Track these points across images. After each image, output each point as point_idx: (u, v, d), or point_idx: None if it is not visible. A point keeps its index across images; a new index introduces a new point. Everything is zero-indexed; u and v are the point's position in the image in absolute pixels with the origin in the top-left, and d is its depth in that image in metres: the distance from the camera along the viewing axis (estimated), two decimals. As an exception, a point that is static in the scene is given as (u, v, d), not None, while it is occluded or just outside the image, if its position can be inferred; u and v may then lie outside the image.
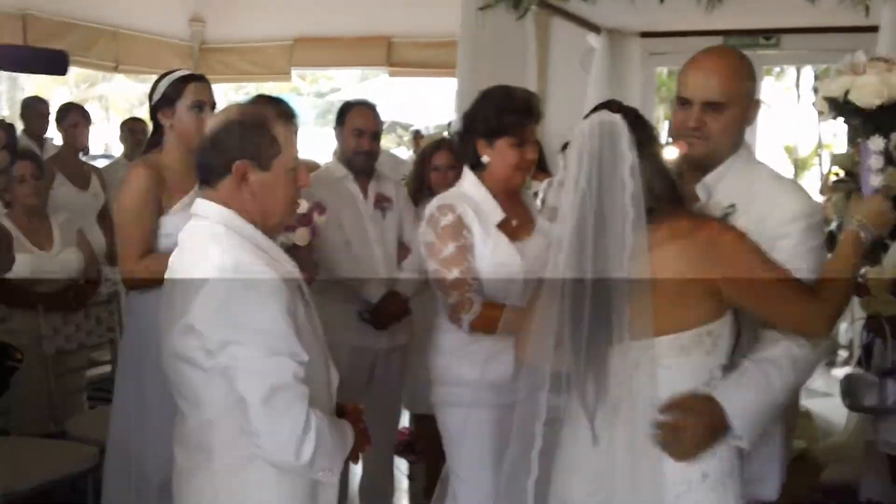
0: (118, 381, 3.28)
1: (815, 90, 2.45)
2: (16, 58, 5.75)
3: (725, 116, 2.33)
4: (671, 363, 2.07)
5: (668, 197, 2.12)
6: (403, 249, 3.94)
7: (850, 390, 3.23)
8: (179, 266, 2.10)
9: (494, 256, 2.85)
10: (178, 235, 3.05)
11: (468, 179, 2.96)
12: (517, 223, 2.92)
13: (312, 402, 1.95)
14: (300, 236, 3.37)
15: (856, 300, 3.30)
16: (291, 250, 3.36)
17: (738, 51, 2.47)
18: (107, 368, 4.42)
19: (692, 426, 2.08)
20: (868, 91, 2.25)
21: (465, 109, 3.02)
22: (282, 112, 2.12)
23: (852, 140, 2.43)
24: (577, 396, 2.12)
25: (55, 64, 5.46)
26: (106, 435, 3.34)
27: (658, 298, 2.03)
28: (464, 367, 2.91)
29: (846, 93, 2.30)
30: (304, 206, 3.41)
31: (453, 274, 2.81)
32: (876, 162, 2.26)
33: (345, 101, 4.04)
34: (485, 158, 2.91)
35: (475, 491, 2.86)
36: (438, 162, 4.05)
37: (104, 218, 5.40)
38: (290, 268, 2.11)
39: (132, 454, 3.15)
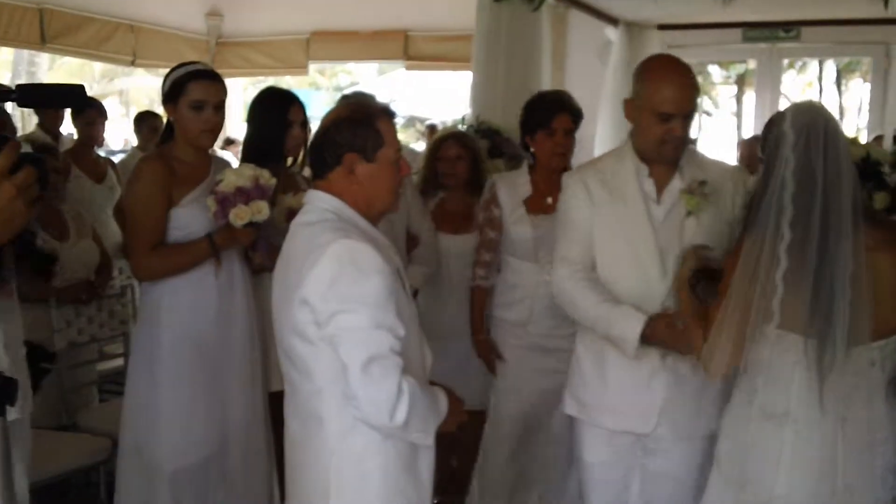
0: (130, 371, 3.28)
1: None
2: (37, 95, 5.93)
3: (691, 120, 2.75)
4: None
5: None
6: (412, 241, 3.93)
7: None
8: (293, 250, 2.26)
9: (513, 225, 3.60)
10: (189, 228, 3.11)
11: (523, 166, 3.72)
12: (552, 200, 3.37)
13: (407, 374, 2.13)
14: (307, 230, 3.36)
15: None
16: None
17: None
18: (119, 362, 4.42)
19: None
20: None
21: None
22: (385, 109, 2.33)
23: None
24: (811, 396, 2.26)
25: (74, 98, 5.58)
26: (118, 428, 3.34)
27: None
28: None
29: None
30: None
31: (479, 237, 3.71)
32: None
33: (344, 95, 4.09)
34: (532, 150, 3.60)
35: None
36: (446, 153, 4.04)
37: (120, 211, 5.41)
38: (392, 254, 2.28)
39: (144, 445, 3.16)
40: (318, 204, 2.27)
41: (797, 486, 2.30)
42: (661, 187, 2.78)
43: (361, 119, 2.26)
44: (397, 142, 2.31)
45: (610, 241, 2.78)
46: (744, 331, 2.28)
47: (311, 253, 2.15)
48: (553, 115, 3.53)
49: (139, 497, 3.19)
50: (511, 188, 3.64)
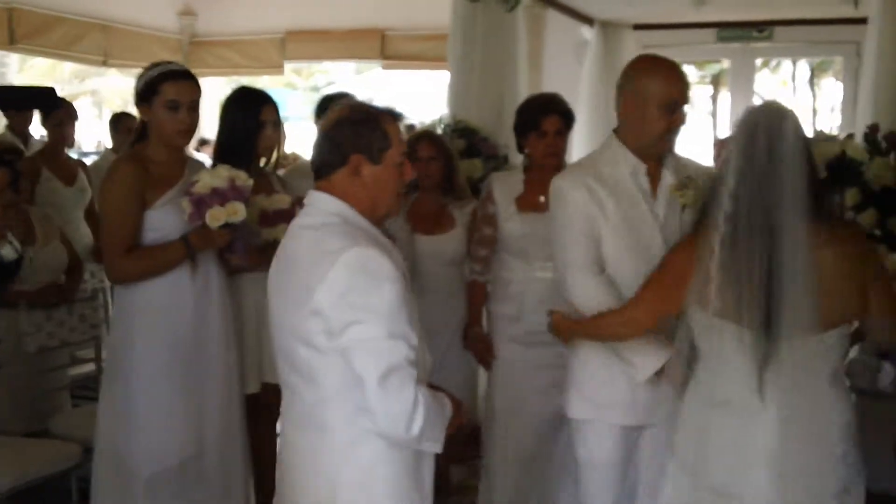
0: (105, 376, 3.27)
1: None
2: (5, 97, 6.12)
3: None
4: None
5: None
6: (389, 240, 3.92)
7: (851, 372, 3.26)
8: (295, 253, 2.21)
9: (505, 222, 3.71)
10: (164, 229, 3.07)
11: (519, 166, 3.87)
12: (545, 199, 3.37)
13: (420, 383, 2.13)
14: (282, 231, 3.32)
15: None
16: (273, 246, 3.34)
17: None
18: (91, 367, 4.37)
19: None
20: None
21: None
22: (391, 111, 2.29)
23: None
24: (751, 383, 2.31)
25: (44, 100, 5.62)
26: (90, 433, 3.32)
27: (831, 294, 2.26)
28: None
29: None
30: (286, 200, 3.38)
31: (476, 234, 3.85)
32: None
33: (326, 95, 4.07)
34: (526, 151, 3.74)
35: None
36: (420, 154, 4.04)
37: (91, 213, 5.35)
38: (397, 257, 2.24)
39: (120, 450, 3.13)
40: (321, 206, 2.23)
41: (741, 474, 2.34)
42: (654, 184, 2.84)
43: (367, 119, 2.23)
44: (403, 144, 2.28)
45: (617, 240, 2.80)
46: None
47: (320, 260, 2.11)
48: (543, 116, 3.63)
49: (116, 502, 3.16)
50: (505, 186, 3.77)
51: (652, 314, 2.52)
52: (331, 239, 2.14)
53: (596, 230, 2.79)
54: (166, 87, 3.10)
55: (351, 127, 2.21)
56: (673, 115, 2.76)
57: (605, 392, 2.86)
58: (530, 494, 3.75)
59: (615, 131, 2.90)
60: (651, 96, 2.75)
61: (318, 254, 2.13)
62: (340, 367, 2.10)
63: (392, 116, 2.27)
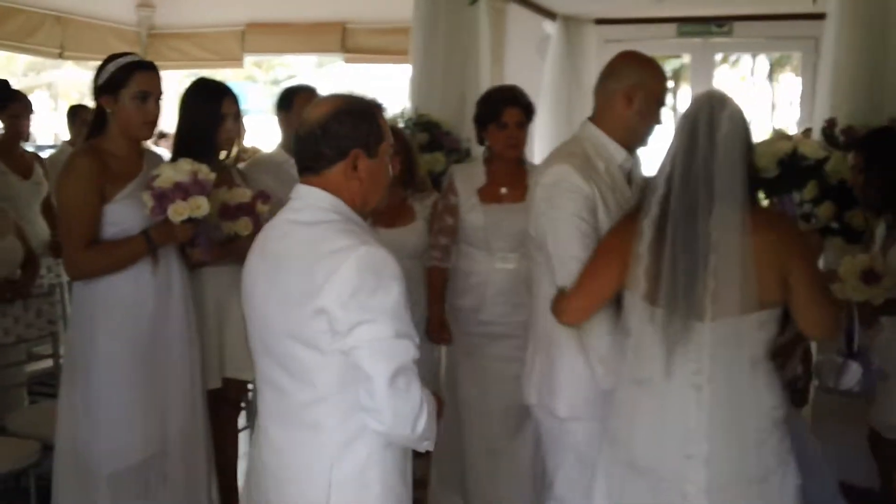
0: (65, 372, 3.22)
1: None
2: None
3: None
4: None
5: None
6: None
7: (818, 372, 3.33)
8: (288, 250, 2.13)
9: (467, 213, 3.74)
10: (124, 224, 3.02)
11: (479, 157, 3.89)
12: (506, 191, 3.69)
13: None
14: (243, 225, 3.30)
15: None
16: (234, 240, 3.31)
17: None
18: (48, 363, 4.30)
19: None
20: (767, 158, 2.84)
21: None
22: (378, 102, 2.25)
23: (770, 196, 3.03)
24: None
25: (1, 93, 5.48)
26: (49, 431, 3.28)
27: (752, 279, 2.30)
28: None
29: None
30: (247, 195, 3.35)
31: (437, 224, 3.83)
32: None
33: (288, 87, 4.04)
34: (486, 143, 3.77)
35: None
36: None
37: (48, 208, 5.26)
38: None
39: (82, 448, 3.09)
40: (314, 202, 2.15)
41: (653, 449, 2.40)
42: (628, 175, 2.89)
43: (365, 112, 2.17)
44: (391, 136, 2.24)
45: None
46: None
47: (323, 258, 2.05)
48: (504, 108, 3.67)
49: (78, 501, 3.13)
50: (467, 178, 3.80)
51: (592, 299, 2.57)
52: (333, 237, 2.08)
53: (597, 223, 2.74)
54: (137, 78, 3.07)
55: (350, 120, 2.14)
56: (661, 109, 2.83)
57: (594, 390, 2.78)
58: (495, 488, 3.75)
59: (595, 123, 2.84)
60: (652, 92, 2.79)
61: (320, 252, 2.07)
62: (339, 367, 2.06)
63: (380, 108, 2.24)
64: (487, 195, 3.73)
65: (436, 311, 3.86)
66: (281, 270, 2.13)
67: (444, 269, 3.86)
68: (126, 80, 3.06)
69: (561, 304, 2.63)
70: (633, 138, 2.84)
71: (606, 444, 2.55)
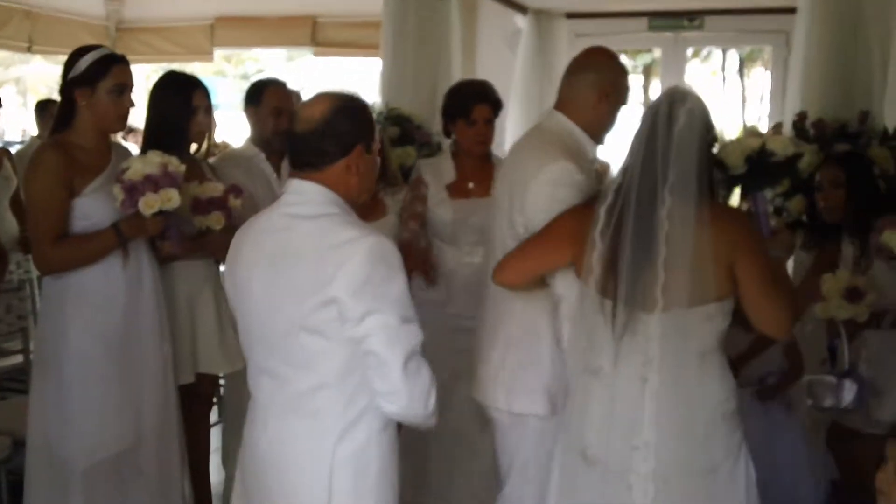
0: (36, 369, 3.20)
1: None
2: None
3: None
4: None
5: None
6: None
7: (811, 392, 3.34)
8: (292, 244, 2.17)
9: (435, 207, 3.73)
10: (94, 217, 2.99)
11: (446, 151, 3.88)
12: (473, 185, 3.71)
13: None
14: (215, 220, 3.28)
15: None
16: (206, 234, 3.29)
17: None
18: (19, 359, 4.26)
19: None
20: (735, 156, 2.89)
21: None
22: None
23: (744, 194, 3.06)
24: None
25: None
26: (19, 426, 3.26)
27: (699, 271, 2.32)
28: None
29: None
30: (218, 189, 3.33)
31: (406, 212, 3.77)
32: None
33: (256, 81, 4.02)
34: (453, 136, 3.76)
35: None
36: None
37: (17, 203, 5.21)
38: None
39: (54, 443, 3.07)
40: (313, 196, 2.19)
41: (602, 439, 2.42)
42: None
43: (362, 108, 2.24)
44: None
45: None
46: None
47: (333, 249, 2.11)
48: (473, 105, 3.66)
49: (50, 497, 3.10)
50: (436, 172, 3.80)
51: (531, 264, 2.62)
52: (339, 229, 2.14)
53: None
54: (115, 71, 3.05)
55: (353, 116, 2.21)
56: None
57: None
58: (458, 485, 3.74)
59: (564, 114, 2.84)
60: (624, 90, 2.84)
61: (328, 243, 2.12)
62: (345, 354, 2.13)
63: (367, 103, 2.30)
64: (456, 190, 3.74)
65: (408, 238, 3.74)
66: (285, 263, 2.16)
67: (414, 239, 3.76)
68: (104, 72, 3.04)
69: (502, 261, 2.68)
70: (601, 133, 2.87)
71: (562, 432, 2.56)
